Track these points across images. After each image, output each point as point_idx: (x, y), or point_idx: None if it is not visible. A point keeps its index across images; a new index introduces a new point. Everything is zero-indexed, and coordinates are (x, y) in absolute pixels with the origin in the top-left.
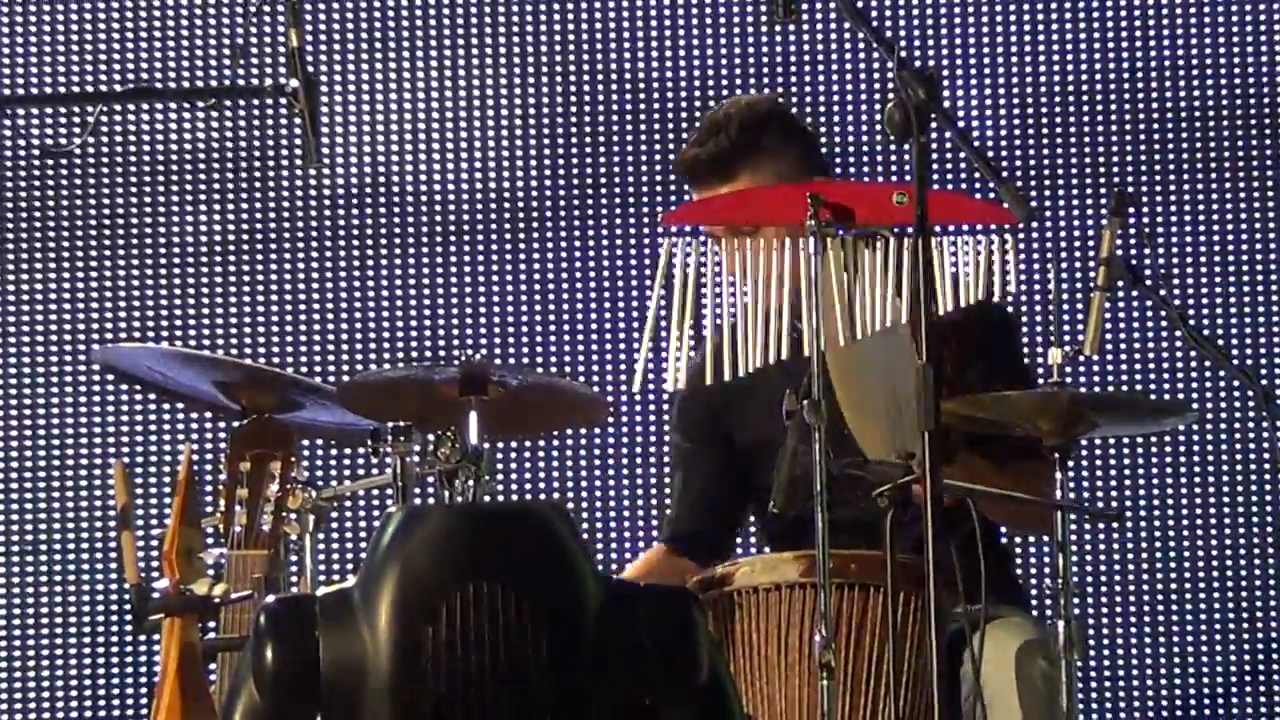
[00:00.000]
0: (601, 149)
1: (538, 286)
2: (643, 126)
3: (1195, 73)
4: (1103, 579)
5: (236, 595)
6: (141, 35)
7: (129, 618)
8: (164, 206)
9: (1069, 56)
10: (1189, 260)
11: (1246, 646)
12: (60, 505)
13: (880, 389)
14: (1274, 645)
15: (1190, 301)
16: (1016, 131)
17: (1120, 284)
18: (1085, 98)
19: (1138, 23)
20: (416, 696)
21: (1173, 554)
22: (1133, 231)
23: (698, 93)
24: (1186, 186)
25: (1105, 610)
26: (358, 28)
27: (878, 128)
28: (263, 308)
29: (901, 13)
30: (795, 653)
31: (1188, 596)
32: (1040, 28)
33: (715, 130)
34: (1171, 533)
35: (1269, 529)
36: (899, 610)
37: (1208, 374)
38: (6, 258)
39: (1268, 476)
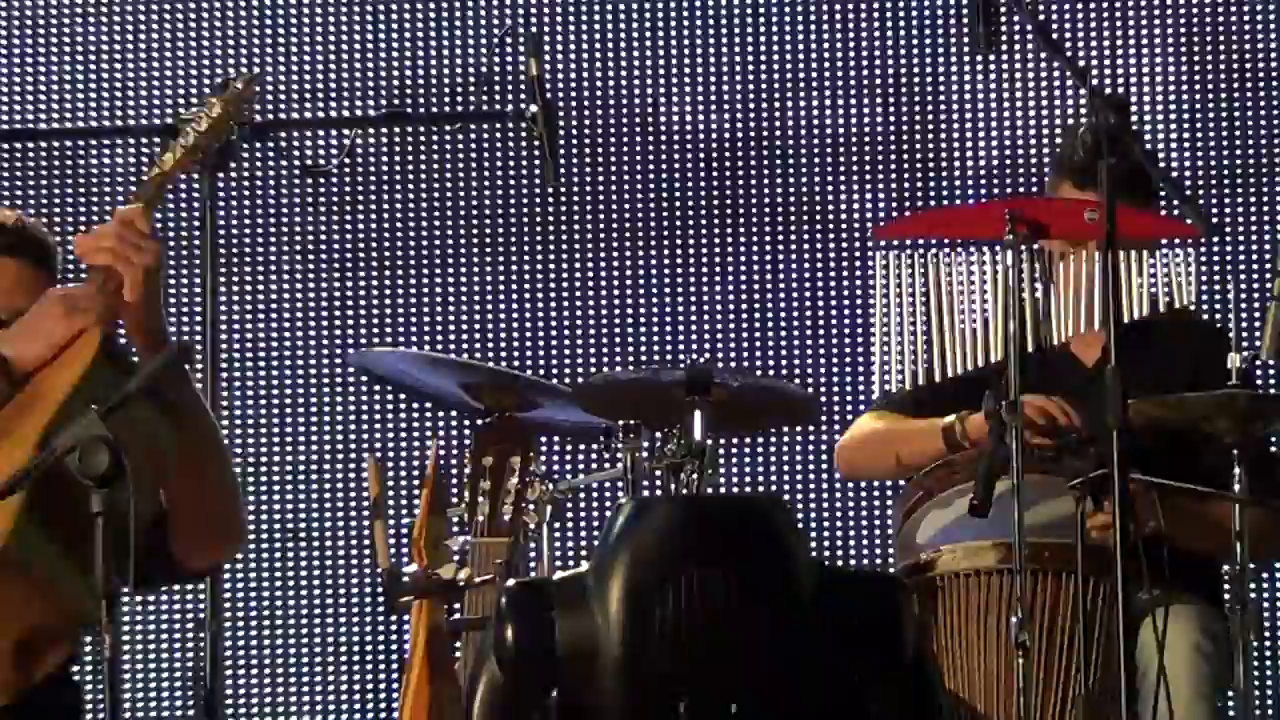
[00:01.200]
0: (815, 170)
1: (756, 293)
2: (854, 148)
3: None
4: (1277, 568)
5: (480, 579)
6: (394, 64)
7: (381, 600)
8: (413, 221)
9: (1247, 78)
10: None
11: None
12: (319, 497)
13: None
14: None
15: None
16: (1199, 150)
17: None
18: (1264, 119)
19: None
20: (645, 673)
21: None
22: None
23: (892, 118)
24: None
25: None
26: (592, 53)
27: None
28: (504, 314)
29: (1080, 34)
30: (993, 633)
31: None
32: (1220, 46)
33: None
34: None
35: None
36: (1088, 595)
37: None
38: (270, 269)
39: None
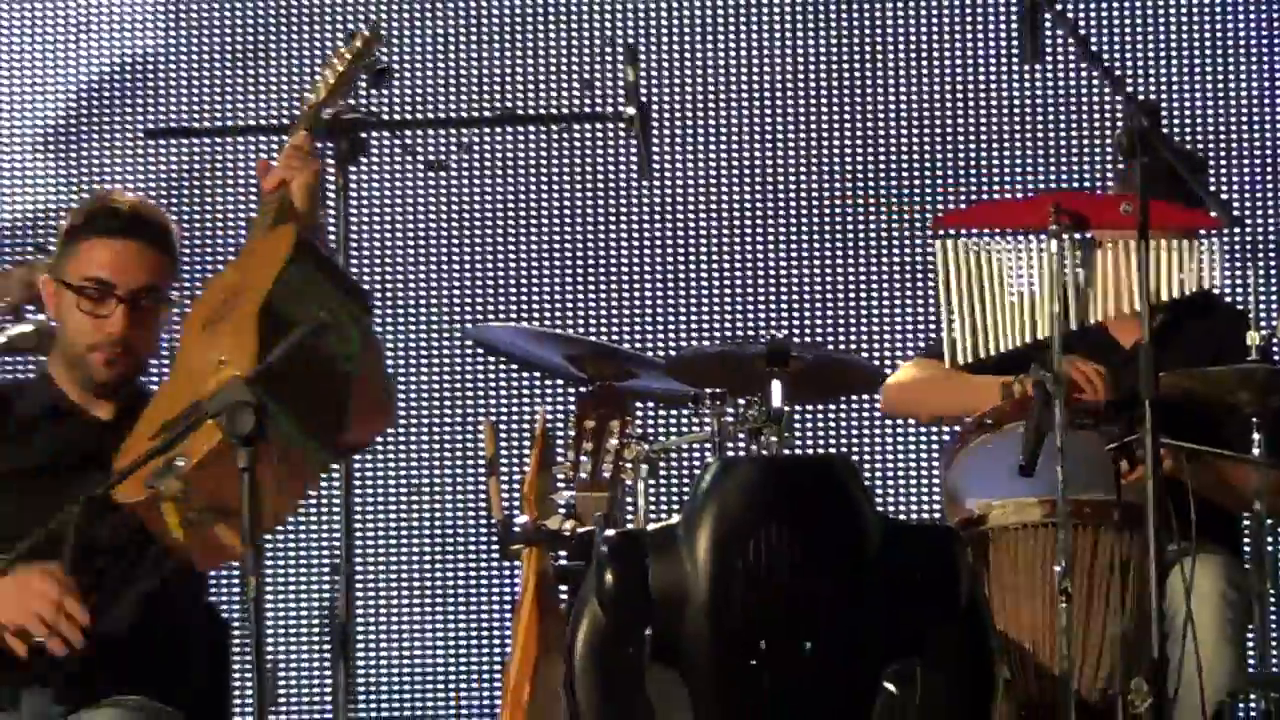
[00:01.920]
0: (880, 162)
1: (829, 276)
2: (915, 146)
3: None
4: None
5: (582, 529)
6: (507, 70)
7: (496, 547)
8: (523, 210)
9: (1265, 79)
10: None
11: None
12: (441, 456)
13: None
14: None
15: None
16: (1222, 147)
17: None
18: None
19: None
20: (729, 615)
21: None
22: None
23: (944, 116)
24: None
25: None
26: (690, 60)
27: (1108, 146)
28: (604, 293)
29: (1118, 39)
30: (1039, 580)
31: None
32: (1242, 50)
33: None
34: None
35: None
36: (1123, 546)
37: None
38: (397, 252)
39: None
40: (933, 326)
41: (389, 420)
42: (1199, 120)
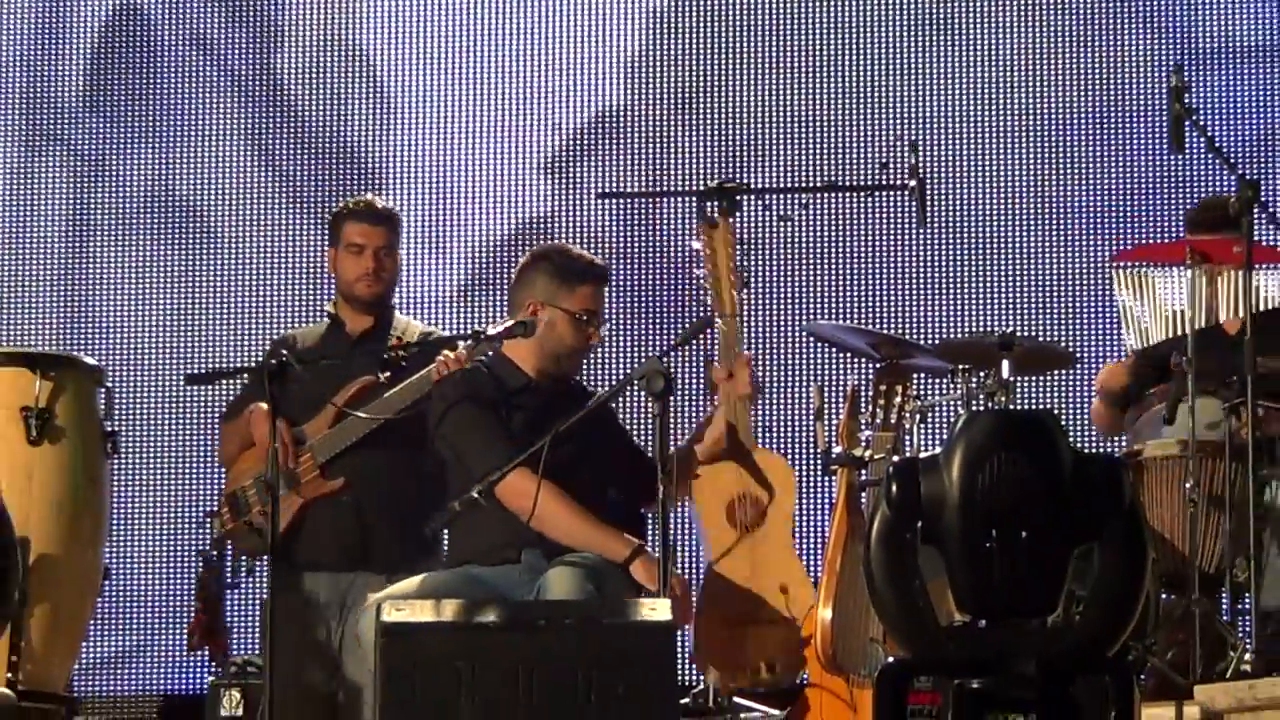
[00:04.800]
0: (1071, 216)
1: (1046, 289)
2: (1086, 201)
3: None
4: None
5: (876, 456)
6: (828, 148)
7: (820, 467)
8: (839, 246)
9: None
10: None
11: None
12: (784, 407)
13: None
14: None
15: None
16: None
17: None
18: None
19: None
20: (973, 511)
21: None
22: None
23: (1119, 182)
24: None
25: None
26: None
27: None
28: (894, 301)
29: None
30: (1175, 493)
31: None
32: None
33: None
34: None
35: None
36: (1232, 472)
37: None
38: (759, 275)
39: None
40: (1108, 322)
41: None
42: None
